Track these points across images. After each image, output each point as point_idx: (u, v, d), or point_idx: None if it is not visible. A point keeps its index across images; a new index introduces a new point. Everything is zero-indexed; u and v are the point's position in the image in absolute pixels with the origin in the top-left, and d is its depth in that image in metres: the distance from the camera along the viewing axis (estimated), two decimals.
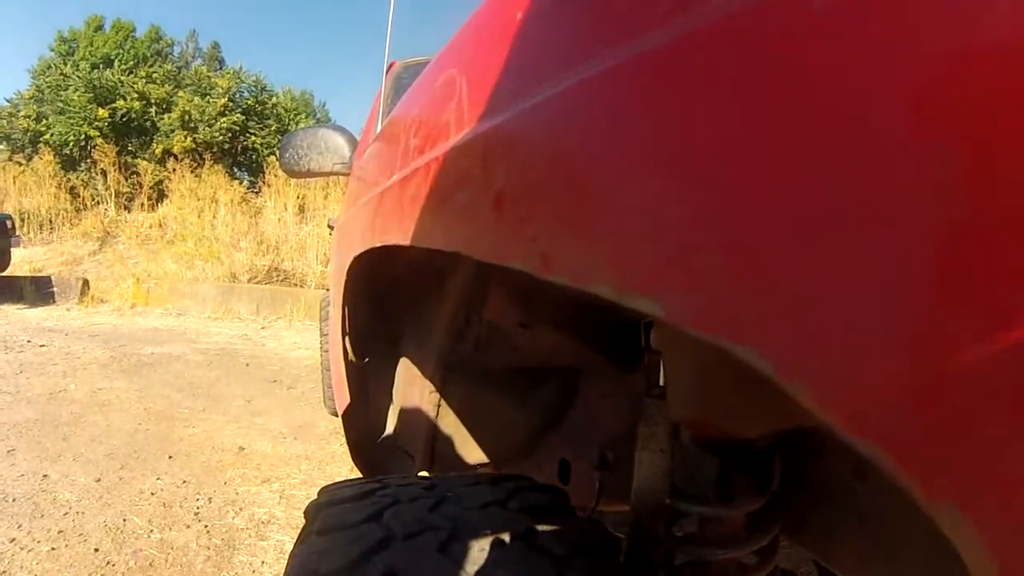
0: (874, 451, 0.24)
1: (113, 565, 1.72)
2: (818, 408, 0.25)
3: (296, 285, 8.44)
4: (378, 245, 0.83)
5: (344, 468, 2.55)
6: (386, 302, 1.20)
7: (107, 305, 7.88)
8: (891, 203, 0.22)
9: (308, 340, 5.89)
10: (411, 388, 1.16)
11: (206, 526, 1.98)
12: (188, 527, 1.96)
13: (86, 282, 8.28)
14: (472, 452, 1.15)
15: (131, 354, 4.80)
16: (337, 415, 3.28)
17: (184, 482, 2.33)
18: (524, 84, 0.47)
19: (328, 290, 3.78)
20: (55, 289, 8.03)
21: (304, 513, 0.75)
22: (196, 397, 3.61)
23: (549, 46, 0.45)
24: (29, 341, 5.03)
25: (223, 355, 5.08)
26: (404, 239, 0.68)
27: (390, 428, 1.29)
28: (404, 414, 1.21)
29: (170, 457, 2.59)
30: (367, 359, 1.24)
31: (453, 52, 0.69)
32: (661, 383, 0.76)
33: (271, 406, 3.54)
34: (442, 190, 0.59)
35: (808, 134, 0.25)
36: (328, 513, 0.68)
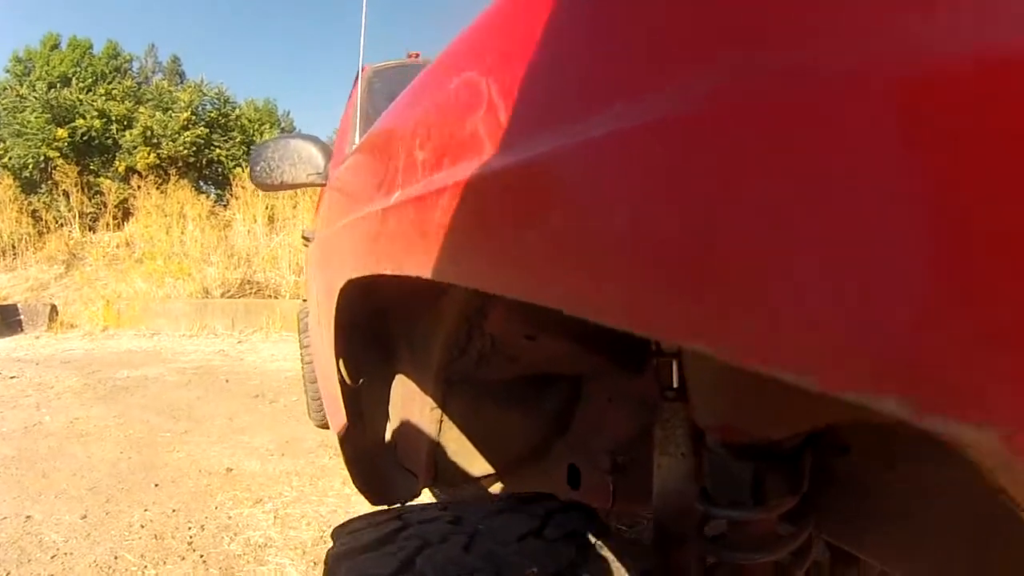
0: None
1: None
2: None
3: (270, 297, 8.33)
4: (385, 272, 0.70)
5: (336, 481, 2.50)
6: (380, 322, 1.16)
7: (77, 330, 7.69)
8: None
9: (287, 352, 5.81)
10: (410, 405, 1.12)
11: (201, 556, 1.91)
12: (183, 559, 1.89)
13: (54, 307, 8.06)
14: (477, 464, 1.12)
15: (106, 379, 4.68)
16: (323, 427, 3.23)
17: (174, 511, 2.26)
18: (593, 103, 0.35)
19: (305, 300, 3.70)
20: (22, 317, 7.80)
21: (324, 563, 0.69)
22: (177, 419, 3.52)
23: (625, 59, 0.33)
24: None
25: (201, 373, 4.97)
26: (421, 270, 0.56)
27: (389, 446, 1.25)
28: (403, 431, 1.17)
29: (156, 485, 2.51)
30: (362, 379, 1.20)
31: (472, 53, 0.56)
32: (674, 385, 0.73)
33: (255, 423, 3.46)
34: (476, 219, 0.47)
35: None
36: (351, 567, 0.62)
